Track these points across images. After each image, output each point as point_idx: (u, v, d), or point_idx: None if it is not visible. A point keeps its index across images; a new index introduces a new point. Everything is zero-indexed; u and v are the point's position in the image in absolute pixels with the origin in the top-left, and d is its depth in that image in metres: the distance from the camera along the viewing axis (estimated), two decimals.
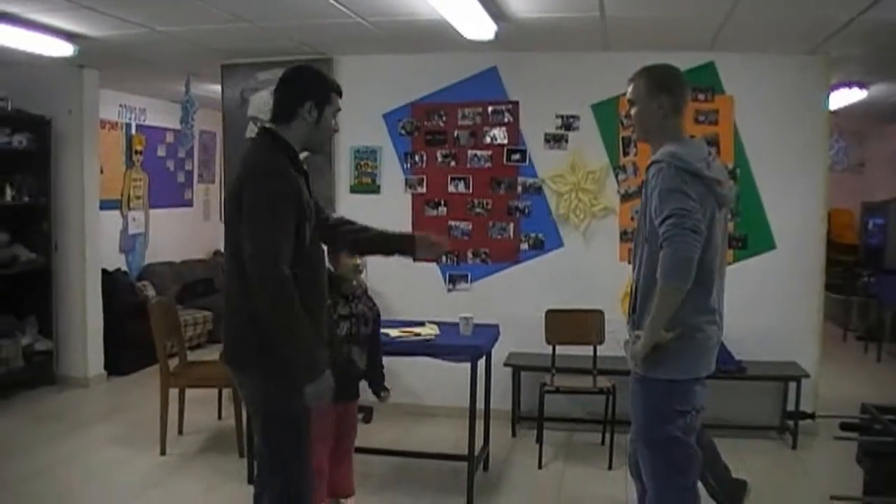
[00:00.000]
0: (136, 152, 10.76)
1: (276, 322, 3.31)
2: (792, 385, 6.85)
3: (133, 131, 10.72)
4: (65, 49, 6.88)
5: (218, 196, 12.21)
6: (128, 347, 8.86)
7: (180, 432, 6.89)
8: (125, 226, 10.66)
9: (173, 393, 6.60)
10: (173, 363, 6.70)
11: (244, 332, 3.45)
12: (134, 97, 10.60)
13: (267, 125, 3.66)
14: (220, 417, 7.35)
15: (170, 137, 11.36)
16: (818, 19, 6.03)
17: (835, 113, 7.81)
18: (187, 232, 11.91)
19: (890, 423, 4.22)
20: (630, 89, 3.87)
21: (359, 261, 4.93)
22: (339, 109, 3.75)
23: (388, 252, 4.41)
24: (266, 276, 3.28)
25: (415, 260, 4.47)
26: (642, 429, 3.78)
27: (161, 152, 11.37)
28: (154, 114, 11.05)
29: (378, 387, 5.26)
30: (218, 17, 6.17)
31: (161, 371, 6.47)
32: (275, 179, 3.39)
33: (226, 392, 7.19)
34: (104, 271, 8.98)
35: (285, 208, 3.36)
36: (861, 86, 8.47)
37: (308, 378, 3.38)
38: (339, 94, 3.73)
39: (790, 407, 6.87)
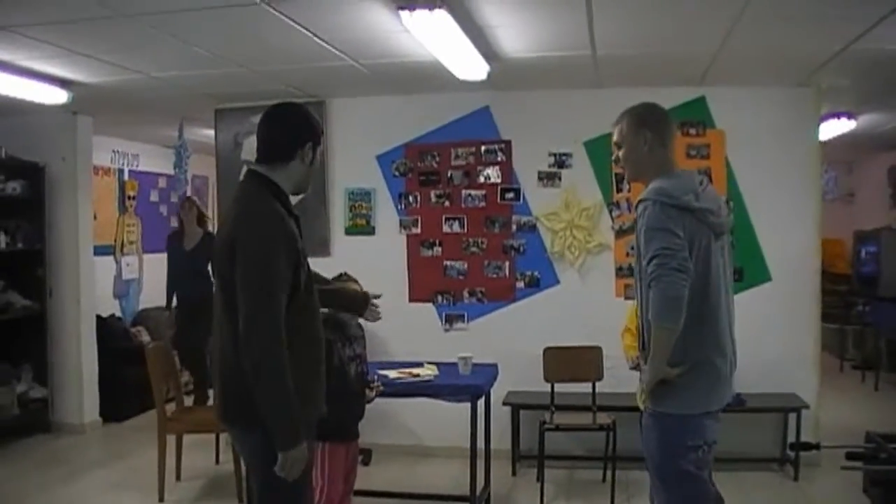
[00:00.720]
0: (129, 198, 10.78)
1: (264, 395, 3.16)
2: (792, 416, 6.84)
3: (126, 177, 10.75)
4: (59, 96, 6.90)
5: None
6: (123, 393, 8.82)
7: (178, 478, 6.83)
8: (119, 271, 10.66)
9: (170, 438, 6.56)
10: (169, 408, 6.67)
11: (243, 389, 3.21)
12: (127, 143, 10.63)
13: (255, 167, 3.48)
14: (217, 462, 7.31)
15: (162, 182, 11.38)
16: (808, 51, 6.09)
17: (825, 143, 7.86)
18: None
19: None
20: (615, 133, 3.90)
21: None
22: (323, 150, 3.65)
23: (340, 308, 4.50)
24: (264, 357, 3.13)
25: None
26: (655, 464, 3.74)
27: (154, 197, 11.38)
28: (147, 159, 11.08)
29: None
30: (212, 61, 6.21)
31: (158, 416, 6.43)
32: (270, 230, 3.24)
33: (223, 437, 7.14)
34: (99, 317, 8.97)
35: (282, 263, 3.21)
36: (850, 116, 8.53)
37: (285, 446, 3.19)
38: (323, 133, 3.63)
39: (791, 438, 6.85)
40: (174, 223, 11.67)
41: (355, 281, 4.80)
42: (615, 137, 3.90)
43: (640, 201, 3.67)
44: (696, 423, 3.61)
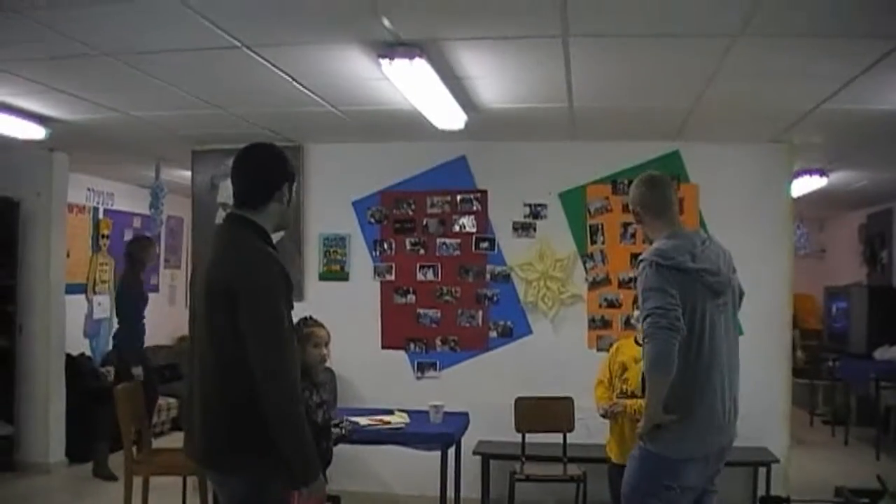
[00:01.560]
0: (103, 236, 10.71)
1: (289, 440, 3.20)
2: (762, 470, 6.82)
3: (100, 215, 10.68)
4: (37, 132, 6.86)
5: (184, 282, 12.12)
6: (91, 434, 8.69)
7: None
8: (90, 310, 10.55)
9: (137, 481, 6.45)
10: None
11: (230, 433, 3.23)
12: (102, 181, 10.57)
13: (236, 212, 3.48)
14: None
15: (137, 222, 11.32)
16: (781, 108, 6.20)
17: (797, 199, 7.96)
18: (153, 317, 11.74)
19: None
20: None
21: (325, 350, 4.89)
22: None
23: None
24: (288, 405, 3.20)
25: None
26: (626, 490, 3.97)
27: (128, 237, 11.29)
28: (122, 198, 11.03)
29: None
30: (191, 102, 6.21)
31: (125, 458, 6.31)
32: (274, 276, 3.27)
33: (190, 480, 7.04)
34: (68, 356, 8.86)
35: (285, 307, 3.28)
36: (822, 173, 8.64)
37: (308, 479, 3.26)
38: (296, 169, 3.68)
39: (761, 492, 6.84)
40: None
41: (321, 326, 4.78)
42: (630, 206, 4.29)
43: (640, 261, 3.93)
44: (675, 466, 3.81)
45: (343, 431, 4.93)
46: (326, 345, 4.77)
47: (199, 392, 3.37)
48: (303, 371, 4.53)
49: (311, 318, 4.80)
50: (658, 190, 4.14)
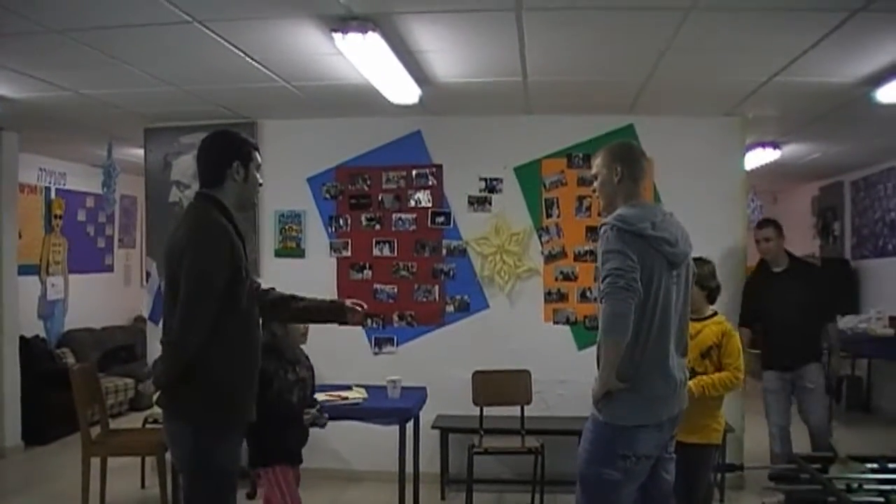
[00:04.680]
0: (56, 217, 10.58)
1: (168, 364, 3.64)
2: None
3: (53, 195, 10.55)
4: None
5: (139, 261, 12.05)
6: (46, 416, 8.63)
7: (102, 503, 6.69)
8: (44, 291, 10.42)
9: (95, 462, 6.40)
10: (95, 431, 6.54)
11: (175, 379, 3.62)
12: (54, 161, 10.44)
13: (202, 189, 3.82)
14: (143, 486, 7.20)
15: (90, 202, 11.21)
16: (734, 82, 6.25)
17: (750, 172, 8.05)
18: (108, 298, 11.70)
19: (817, 473, 4.30)
20: (593, 166, 4.22)
21: (305, 326, 4.93)
22: (259, 164, 3.93)
23: (320, 321, 4.54)
24: (184, 347, 3.55)
25: (341, 325, 4.47)
26: (581, 467, 3.96)
27: (81, 217, 11.20)
28: (74, 178, 10.90)
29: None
30: (143, 80, 6.15)
31: (82, 440, 6.29)
32: (214, 242, 3.58)
33: (149, 460, 7.02)
34: (22, 338, 8.77)
35: (220, 274, 3.56)
36: (775, 146, 8.74)
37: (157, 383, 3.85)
38: (257, 150, 3.94)
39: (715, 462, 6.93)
40: (101, 244, 11.56)
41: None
42: (592, 170, 4.22)
43: (602, 225, 3.93)
44: (628, 434, 3.82)
45: (315, 421, 4.98)
46: None
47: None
48: (280, 348, 4.67)
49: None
50: (637, 158, 4.14)
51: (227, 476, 3.72)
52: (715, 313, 5.04)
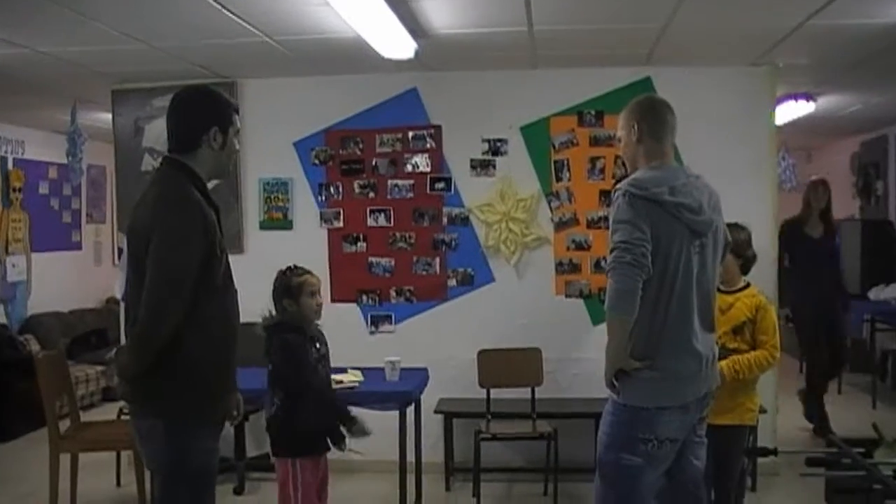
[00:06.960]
0: (15, 189, 10.60)
1: (133, 355, 3.57)
2: None
3: (10, 166, 10.56)
4: None
5: (111, 237, 12.06)
6: (9, 410, 8.69)
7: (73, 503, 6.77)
8: (3, 272, 10.45)
9: (64, 459, 6.43)
10: (64, 425, 6.59)
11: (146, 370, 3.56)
12: (10, 128, 10.45)
13: (171, 155, 3.73)
14: (119, 484, 7.23)
15: (53, 173, 11.24)
16: (763, 27, 6.20)
17: (781, 127, 8.04)
18: (76, 278, 11.74)
19: (859, 457, 4.32)
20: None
21: (320, 300, 5.01)
22: (238, 130, 3.85)
23: None
24: (145, 349, 3.50)
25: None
26: (599, 452, 4.01)
27: (43, 189, 11.23)
28: (34, 146, 10.91)
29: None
30: (108, 36, 6.12)
31: (50, 434, 6.32)
32: (185, 218, 3.50)
33: (125, 455, 7.07)
34: None
35: (193, 252, 3.49)
36: (809, 98, 8.73)
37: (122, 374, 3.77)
38: (238, 112, 3.86)
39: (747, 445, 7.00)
40: (67, 219, 11.54)
41: (309, 272, 5.01)
42: (616, 132, 4.27)
43: (614, 190, 3.96)
44: (648, 416, 3.86)
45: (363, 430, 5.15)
46: (319, 292, 4.98)
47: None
48: (299, 325, 4.75)
49: (295, 266, 5.00)
50: (660, 113, 4.14)
51: (204, 476, 3.69)
52: (748, 285, 5.04)
